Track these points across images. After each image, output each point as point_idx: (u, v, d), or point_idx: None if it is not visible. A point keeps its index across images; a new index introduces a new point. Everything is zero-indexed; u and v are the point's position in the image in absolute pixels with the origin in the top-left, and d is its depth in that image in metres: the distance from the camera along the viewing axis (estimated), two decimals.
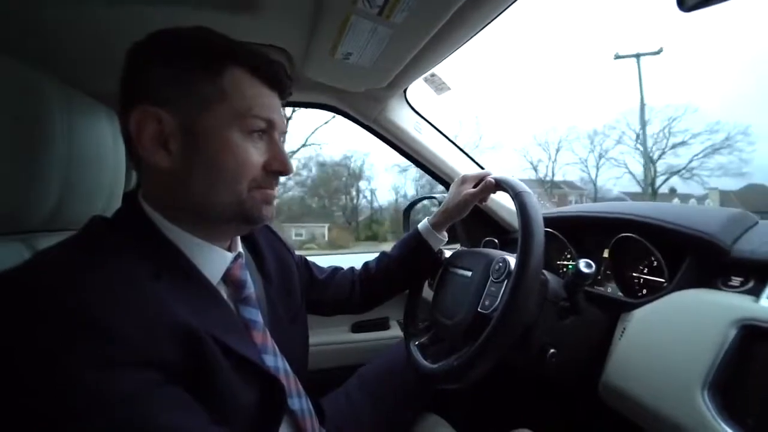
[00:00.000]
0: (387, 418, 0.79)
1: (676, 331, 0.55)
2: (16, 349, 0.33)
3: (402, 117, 1.09)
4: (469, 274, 0.72)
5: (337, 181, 15.16)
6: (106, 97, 0.69)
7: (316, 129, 13.31)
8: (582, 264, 0.59)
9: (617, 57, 13.19)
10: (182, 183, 0.46)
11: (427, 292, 0.87)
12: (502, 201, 1.14)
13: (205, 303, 0.46)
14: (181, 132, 0.45)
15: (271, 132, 0.50)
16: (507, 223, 1.19)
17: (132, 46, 0.47)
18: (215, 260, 0.50)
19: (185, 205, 0.47)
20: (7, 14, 0.61)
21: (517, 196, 0.63)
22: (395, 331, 1.25)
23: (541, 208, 0.63)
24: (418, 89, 1.08)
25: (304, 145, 13.29)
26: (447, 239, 0.83)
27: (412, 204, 1.38)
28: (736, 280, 0.56)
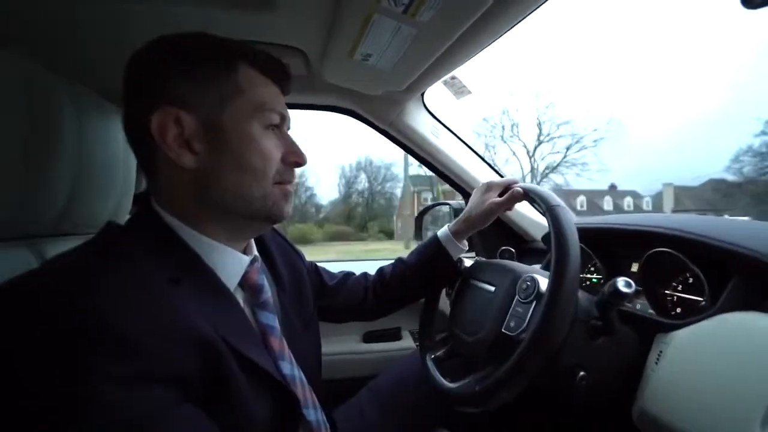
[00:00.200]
0: None
1: (728, 358, 0.50)
2: (24, 353, 0.32)
3: (419, 121, 1.06)
4: (492, 289, 0.68)
5: None
6: (117, 96, 0.68)
7: None
8: (621, 283, 0.55)
9: None
10: (212, 181, 0.46)
11: (443, 302, 0.83)
12: (521, 209, 1.10)
13: (223, 309, 0.46)
14: (204, 130, 0.45)
15: (282, 126, 0.52)
16: (525, 233, 1.14)
17: (142, 47, 0.46)
18: (233, 264, 0.49)
19: (209, 203, 0.47)
20: (16, 12, 0.60)
21: (549, 210, 0.59)
22: (407, 342, 1.21)
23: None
24: (431, 92, 1.05)
25: None
26: (467, 248, 0.79)
27: (425, 210, 1.34)
28: None
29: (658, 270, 0.73)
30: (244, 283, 0.51)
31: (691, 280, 0.68)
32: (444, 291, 0.86)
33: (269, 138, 0.49)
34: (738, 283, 0.58)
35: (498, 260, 0.80)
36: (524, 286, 0.61)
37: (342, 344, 1.17)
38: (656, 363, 0.60)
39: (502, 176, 1.10)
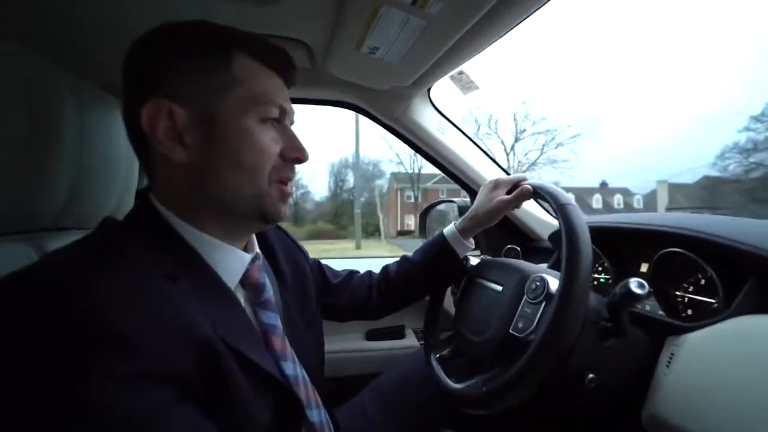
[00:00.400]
0: None
1: (743, 363, 0.49)
2: (24, 351, 0.32)
3: (425, 117, 1.04)
4: (500, 288, 0.67)
5: None
6: (119, 90, 0.66)
7: None
8: (634, 284, 0.53)
9: None
10: (202, 177, 0.45)
11: (448, 301, 0.82)
12: (528, 208, 1.09)
13: (223, 308, 0.44)
14: (196, 123, 0.44)
15: (283, 120, 0.50)
16: (531, 231, 1.13)
17: (142, 36, 0.45)
18: (233, 262, 0.48)
19: (205, 200, 0.46)
20: (17, 3, 0.58)
21: (560, 208, 0.58)
22: (411, 340, 1.20)
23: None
24: (436, 88, 1.03)
25: None
26: (474, 246, 0.78)
27: (429, 208, 1.33)
28: None
29: (668, 270, 0.71)
30: (245, 281, 0.50)
31: (703, 282, 0.66)
32: (449, 289, 0.85)
33: (266, 132, 0.47)
34: (754, 285, 0.56)
35: (505, 259, 0.78)
36: (533, 286, 0.60)
37: (345, 342, 1.16)
38: (667, 366, 0.59)
39: (509, 174, 1.09)
